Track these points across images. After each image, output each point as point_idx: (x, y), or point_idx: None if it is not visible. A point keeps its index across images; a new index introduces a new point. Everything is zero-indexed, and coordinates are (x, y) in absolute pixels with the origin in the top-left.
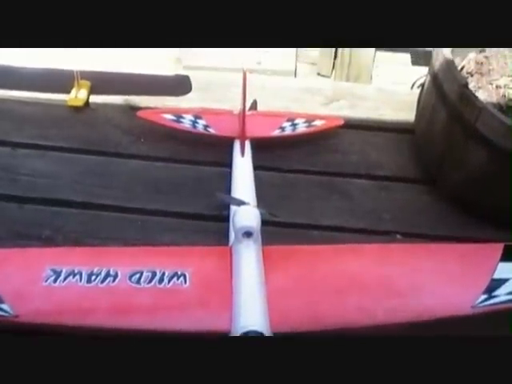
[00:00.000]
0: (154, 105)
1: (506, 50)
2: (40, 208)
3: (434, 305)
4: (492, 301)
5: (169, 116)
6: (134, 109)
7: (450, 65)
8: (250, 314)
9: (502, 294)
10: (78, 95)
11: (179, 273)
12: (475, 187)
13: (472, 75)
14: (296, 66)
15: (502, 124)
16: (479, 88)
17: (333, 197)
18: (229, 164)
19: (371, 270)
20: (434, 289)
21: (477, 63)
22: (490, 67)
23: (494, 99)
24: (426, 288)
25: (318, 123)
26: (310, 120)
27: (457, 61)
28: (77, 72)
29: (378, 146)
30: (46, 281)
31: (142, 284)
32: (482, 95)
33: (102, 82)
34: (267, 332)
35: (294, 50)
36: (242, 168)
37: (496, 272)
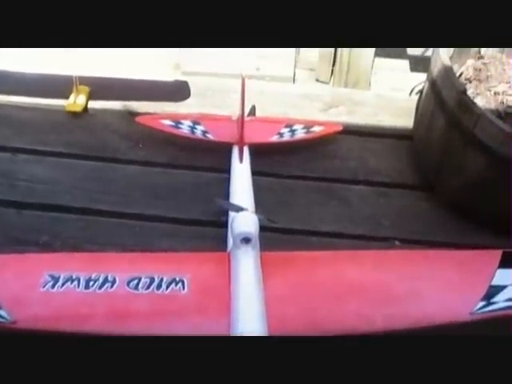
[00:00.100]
0: (153, 110)
1: (503, 57)
2: (38, 213)
3: (433, 311)
4: (490, 307)
5: (167, 122)
6: (132, 114)
7: (448, 71)
8: (249, 319)
9: (500, 300)
10: (76, 101)
11: (177, 279)
12: (473, 193)
13: (470, 82)
14: (295, 72)
15: (500, 130)
16: (477, 94)
17: (331, 203)
18: (227, 170)
19: (370, 276)
20: (433, 295)
21: (475, 70)
22: (489, 74)
23: (493, 106)
24: (424, 294)
25: (317, 129)
26: (308, 126)
27: (455, 67)
28: (75, 77)
29: (377, 152)
30: (44, 286)
31: (140, 290)
32: (480, 102)
33: (100, 88)
34: None
35: (292, 56)
36: (241, 174)
37: (494, 279)
